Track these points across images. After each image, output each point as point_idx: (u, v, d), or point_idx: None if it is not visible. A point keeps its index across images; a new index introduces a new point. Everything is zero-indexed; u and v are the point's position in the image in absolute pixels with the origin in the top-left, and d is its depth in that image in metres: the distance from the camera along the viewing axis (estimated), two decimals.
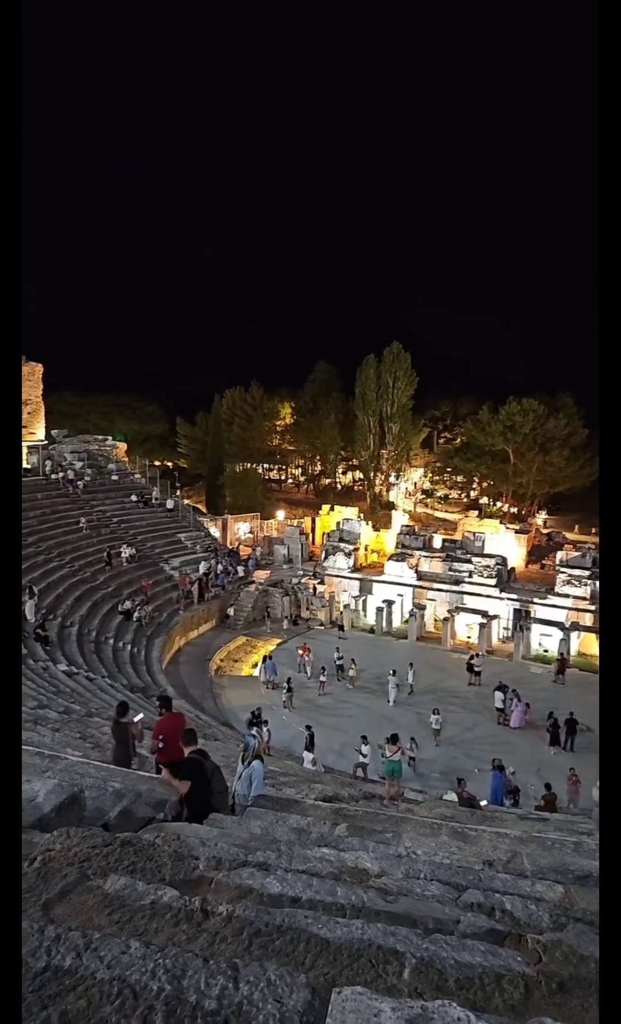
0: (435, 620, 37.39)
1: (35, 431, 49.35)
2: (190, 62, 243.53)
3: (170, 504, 43.26)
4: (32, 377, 49.84)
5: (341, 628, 36.52)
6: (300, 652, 30.77)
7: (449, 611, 36.50)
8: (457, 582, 38.27)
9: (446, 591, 38.03)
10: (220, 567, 38.91)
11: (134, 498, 42.30)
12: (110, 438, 51.65)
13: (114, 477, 44.08)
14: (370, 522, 50.25)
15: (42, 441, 47.53)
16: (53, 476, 40.20)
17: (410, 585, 38.88)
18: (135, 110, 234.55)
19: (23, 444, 44.87)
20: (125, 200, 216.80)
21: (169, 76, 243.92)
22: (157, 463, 70.24)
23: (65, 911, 2.85)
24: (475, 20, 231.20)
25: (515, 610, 36.11)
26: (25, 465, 41.24)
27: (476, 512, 60.63)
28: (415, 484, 73.31)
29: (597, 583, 33.99)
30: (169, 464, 78.50)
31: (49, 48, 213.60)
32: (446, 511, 67.77)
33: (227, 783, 7.79)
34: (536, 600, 36.01)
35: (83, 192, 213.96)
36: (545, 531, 57.61)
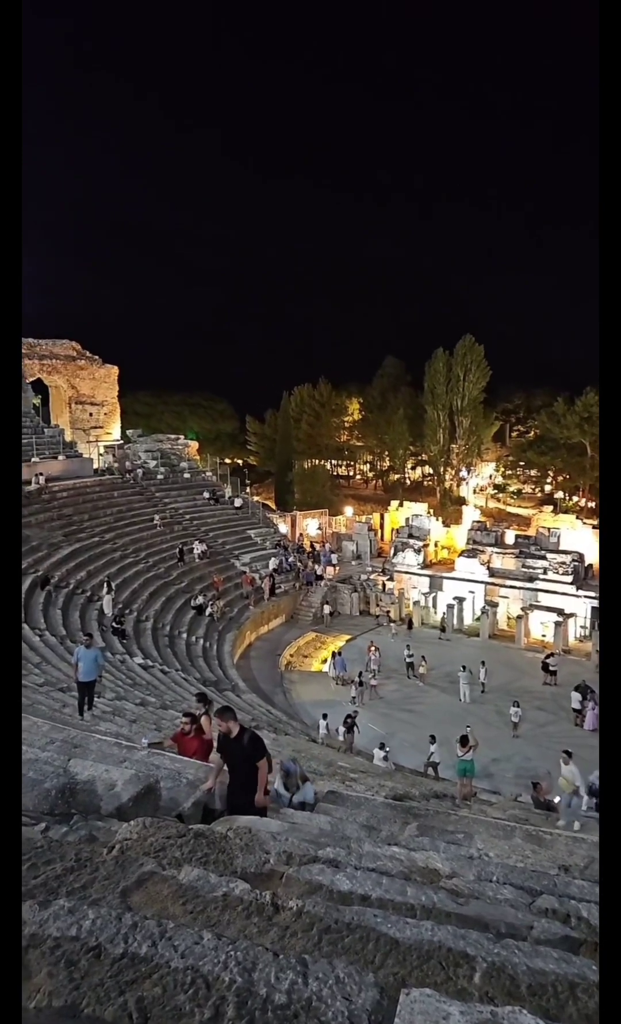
0: (508, 618, 36.65)
1: (111, 431, 51.03)
2: (258, 42, 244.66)
3: (238, 503, 43.66)
4: (108, 379, 51.55)
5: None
6: (367, 650, 30.63)
7: (523, 609, 35.71)
8: (531, 579, 37.36)
9: (519, 588, 37.20)
10: (306, 562, 40.04)
11: (206, 495, 43.10)
12: (182, 437, 52.80)
13: (186, 475, 45.04)
14: (440, 518, 49.60)
15: (118, 441, 49.07)
16: (128, 475, 41.36)
17: (482, 582, 38.21)
18: (209, 102, 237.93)
19: (100, 444, 46.42)
20: (189, 198, 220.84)
21: (243, 64, 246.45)
22: (227, 461, 71.35)
23: (141, 899, 2.95)
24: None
25: (593, 608, 34.99)
26: (101, 464, 42.59)
27: (551, 507, 58.97)
28: (489, 478, 71.94)
29: None
30: (239, 461, 79.62)
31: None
32: (519, 506, 66.21)
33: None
34: None
35: (145, 193, 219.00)
36: None
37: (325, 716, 22.80)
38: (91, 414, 50.32)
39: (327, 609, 37.23)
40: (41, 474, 34.02)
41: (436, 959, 2.72)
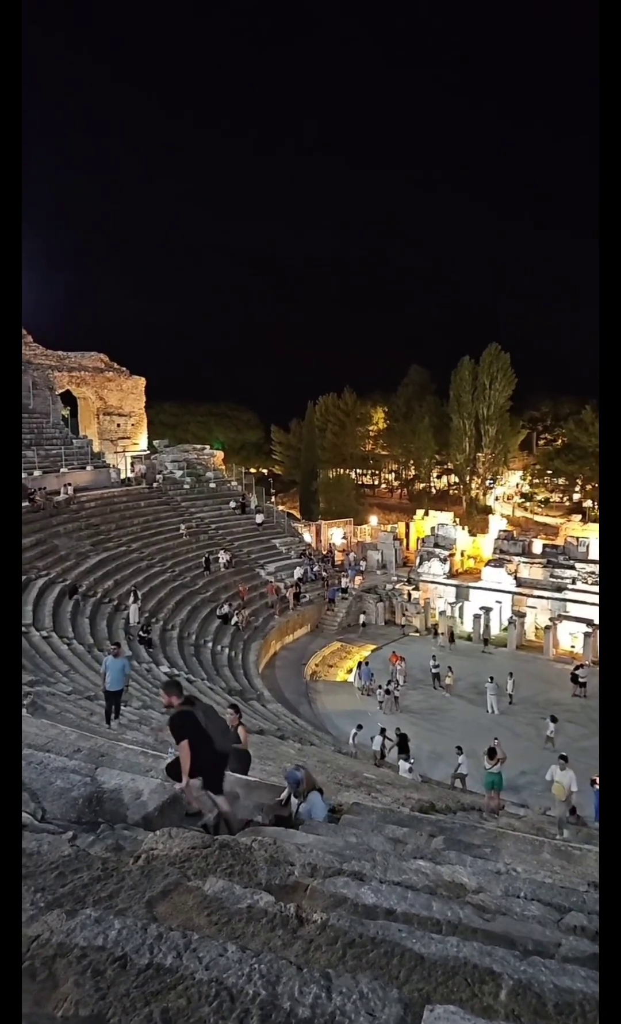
0: (536, 628, 36.20)
1: (138, 442, 51.60)
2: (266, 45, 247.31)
3: (259, 519, 43.05)
4: (136, 390, 52.20)
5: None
6: (392, 661, 30.37)
7: (551, 619, 35.24)
8: (559, 589, 36.88)
9: (547, 598, 36.73)
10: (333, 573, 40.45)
11: (232, 504, 43.26)
12: (208, 447, 53.15)
13: (211, 485, 45.28)
14: (466, 527, 49.25)
15: (145, 451, 49.57)
16: (155, 485, 41.69)
17: (509, 592, 37.81)
18: (234, 108, 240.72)
19: (127, 454, 46.93)
20: (213, 209, 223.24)
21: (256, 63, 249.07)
22: (252, 470, 71.72)
23: (166, 910, 2.97)
24: None
25: None
26: (128, 475, 43.04)
27: (579, 516, 58.24)
28: (516, 487, 71.31)
29: None
30: (264, 471, 79.94)
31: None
32: (547, 515, 65.48)
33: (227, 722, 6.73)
34: None
35: (170, 205, 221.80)
36: None
37: (360, 727, 22.59)
38: (119, 425, 50.96)
39: (362, 619, 37.23)
40: (69, 484, 34.48)
41: (462, 975, 2.70)
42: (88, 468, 38.33)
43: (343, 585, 39.29)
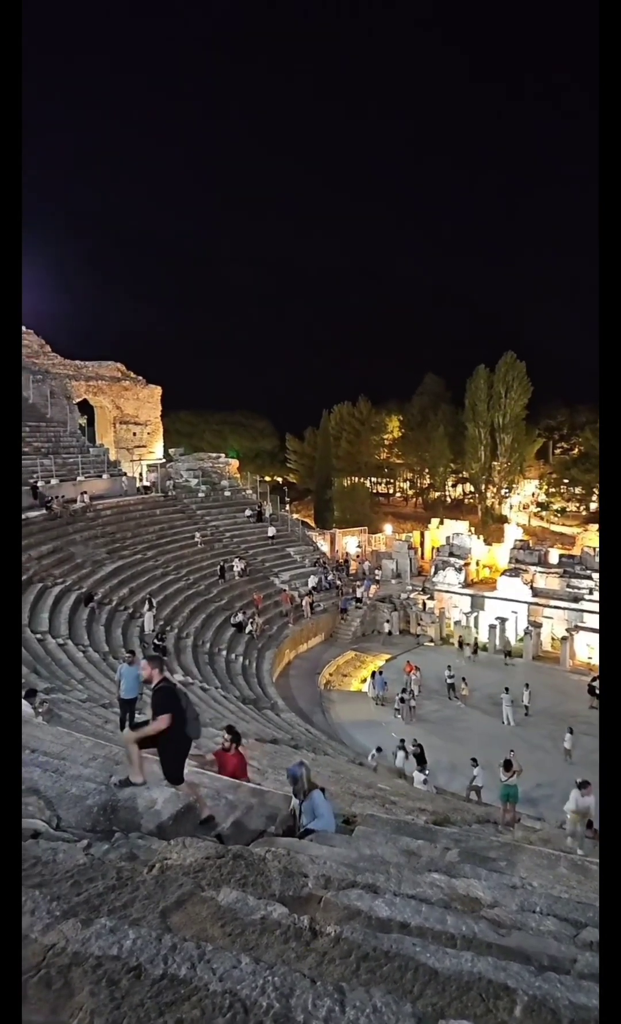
0: (552, 639, 35.89)
1: (154, 450, 51.94)
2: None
3: (272, 532, 42.61)
4: (152, 399, 52.60)
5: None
6: (406, 671, 30.17)
7: (568, 630, 34.93)
8: (576, 599, 36.56)
9: (564, 608, 36.43)
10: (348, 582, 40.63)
11: (247, 513, 43.33)
12: (223, 455, 53.36)
13: (226, 493, 45.41)
14: (481, 536, 49.04)
15: (160, 459, 49.86)
16: (169, 493, 41.89)
17: (525, 602, 37.54)
18: (250, 118, 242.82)
19: (143, 463, 47.23)
20: (228, 218, 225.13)
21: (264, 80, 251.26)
22: (267, 479, 71.90)
23: (181, 920, 2.97)
24: None
25: None
26: (144, 483, 43.32)
27: (596, 525, 57.79)
28: (532, 496, 70.93)
29: None
30: (279, 479, 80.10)
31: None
32: (563, 524, 65.06)
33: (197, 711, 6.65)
34: None
35: (185, 216, 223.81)
36: None
37: (379, 749, 22.34)
38: (135, 433, 51.34)
39: (387, 627, 37.26)
40: (86, 492, 34.74)
41: (476, 991, 2.68)
42: (104, 476, 38.61)
43: (358, 594, 39.15)
